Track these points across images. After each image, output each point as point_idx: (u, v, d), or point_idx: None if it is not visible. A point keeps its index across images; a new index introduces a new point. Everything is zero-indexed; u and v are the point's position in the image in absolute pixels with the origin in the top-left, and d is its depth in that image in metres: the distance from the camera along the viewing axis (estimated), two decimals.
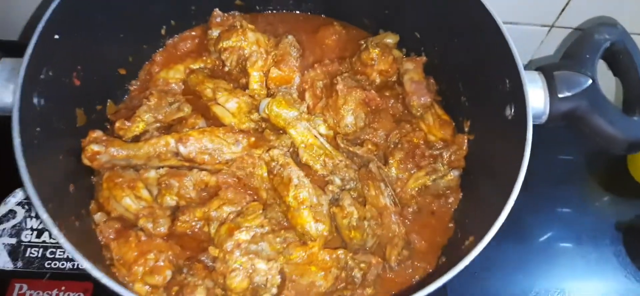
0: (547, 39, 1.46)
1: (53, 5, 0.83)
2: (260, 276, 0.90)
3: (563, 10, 1.34)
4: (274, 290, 0.91)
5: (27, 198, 1.17)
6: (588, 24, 1.35)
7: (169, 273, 0.93)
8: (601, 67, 0.97)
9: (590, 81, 0.91)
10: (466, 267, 0.84)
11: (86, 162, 0.98)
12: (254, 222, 0.93)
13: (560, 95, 0.91)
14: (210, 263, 0.95)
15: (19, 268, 1.12)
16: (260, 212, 0.97)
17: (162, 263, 0.93)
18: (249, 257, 0.90)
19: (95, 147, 0.98)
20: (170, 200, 0.99)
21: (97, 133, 1.00)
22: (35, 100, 0.80)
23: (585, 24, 1.35)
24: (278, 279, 0.91)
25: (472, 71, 1.06)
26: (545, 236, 1.30)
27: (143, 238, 0.95)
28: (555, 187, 1.37)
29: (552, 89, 0.91)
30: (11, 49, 0.84)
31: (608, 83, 1.05)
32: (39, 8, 1.25)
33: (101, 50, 1.01)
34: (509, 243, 1.27)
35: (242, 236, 0.91)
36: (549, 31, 1.43)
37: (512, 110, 0.91)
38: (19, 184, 1.18)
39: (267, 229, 0.95)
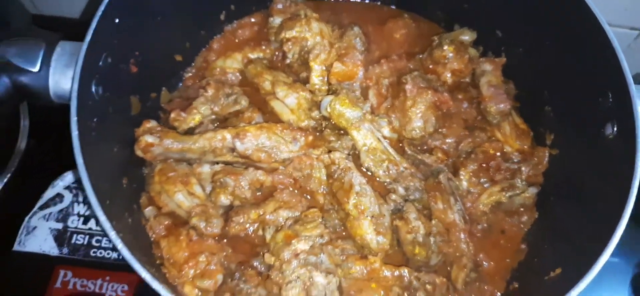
0: (634, 44, 1.32)
1: None
2: (317, 291, 0.83)
3: None
4: None
5: (76, 181, 1.14)
6: None
7: (220, 278, 0.88)
8: None
9: None
10: None
11: (139, 153, 0.93)
12: (313, 232, 0.86)
13: None
14: (263, 270, 0.89)
15: (65, 254, 1.10)
16: (320, 220, 0.90)
17: (213, 267, 0.88)
18: (307, 269, 0.83)
19: (149, 139, 0.93)
20: (224, 199, 0.93)
21: (151, 124, 0.95)
22: (93, 89, 0.75)
23: None
24: (336, 295, 0.84)
25: (563, 78, 0.94)
26: None
27: (194, 237, 0.90)
28: None
29: None
30: (71, 27, 0.79)
31: None
32: None
33: (160, 35, 0.96)
34: None
35: (301, 246, 0.85)
36: (638, 35, 1.29)
37: (614, 129, 0.80)
38: (68, 167, 1.18)
39: (326, 239, 0.88)
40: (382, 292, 0.88)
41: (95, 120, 0.74)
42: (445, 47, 1.07)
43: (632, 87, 0.77)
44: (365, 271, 0.88)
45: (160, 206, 0.94)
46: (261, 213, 0.93)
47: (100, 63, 0.77)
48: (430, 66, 1.10)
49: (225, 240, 0.93)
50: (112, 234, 0.62)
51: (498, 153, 1.01)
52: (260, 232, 0.93)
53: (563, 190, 0.95)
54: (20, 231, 1.10)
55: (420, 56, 1.12)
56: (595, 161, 0.85)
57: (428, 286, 0.88)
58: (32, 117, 1.24)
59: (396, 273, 0.88)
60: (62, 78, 0.75)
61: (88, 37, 0.73)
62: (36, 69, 0.72)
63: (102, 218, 0.62)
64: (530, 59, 1.03)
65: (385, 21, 1.17)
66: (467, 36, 1.10)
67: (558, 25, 0.92)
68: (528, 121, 1.06)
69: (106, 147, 0.79)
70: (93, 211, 0.62)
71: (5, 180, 1.16)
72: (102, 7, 0.75)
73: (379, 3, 1.20)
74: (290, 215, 0.92)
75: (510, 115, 1.06)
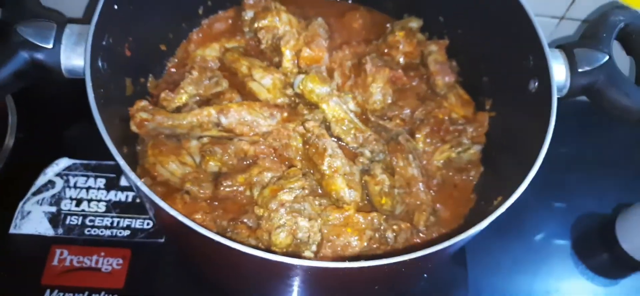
0: (556, 31, 1.53)
1: None
2: (302, 233, 0.96)
3: (573, 1, 1.42)
4: (314, 248, 0.97)
5: (67, 168, 1.23)
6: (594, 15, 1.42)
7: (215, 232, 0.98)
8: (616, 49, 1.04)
9: (607, 57, 0.98)
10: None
11: (134, 128, 1.03)
12: (296, 184, 0.99)
13: (580, 70, 0.98)
14: (252, 225, 1.01)
15: (60, 234, 1.17)
16: (301, 175, 1.03)
17: (208, 223, 0.99)
18: (292, 215, 0.96)
19: (143, 115, 1.03)
20: (213, 165, 1.05)
21: (144, 103, 1.06)
22: (99, 64, 0.86)
23: (592, 14, 1.43)
24: (319, 236, 0.97)
25: (495, 52, 1.13)
26: (541, 235, 1.36)
27: (188, 200, 1.01)
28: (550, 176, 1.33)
29: (572, 64, 0.98)
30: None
31: (622, 64, 1.12)
32: None
33: (148, 25, 1.07)
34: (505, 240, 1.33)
35: (286, 196, 0.97)
36: (558, 23, 1.50)
37: (536, 84, 0.98)
38: (58, 155, 1.26)
39: (307, 192, 1.01)
40: (356, 235, 1.02)
41: (102, 90, 0.85)
42: (397, 33, 1.24)
43: (547, 49, 0.97)
44: (341, 218, 1.02)
45: (155, 175, 1.05)
46: (248, 176, 1.05)
47: (104, 42, 0.88)
48: (385, 50, 1.26)
49: (216, 203, 1.04)
50: (132, 175, 0.73)
51: (446, 118, 1.18)
52: (247, 193, 1.05)
53: (502, 143, 1.13)
54: (15, 216, 1.16)
55: (376, 42, 1.29)
56: (523, 113, 1.04)
57: (394, 227, 1.03)
58: (18, 114, 1.32)
59: (368, 218, 1.02)
60: (72, 55, 0.85)
61: (95, 18, 0.84)
62: (50, 45, 0.83)
63: (121, 162, 0.73)
64: (468, 38, 1.22)
65: (343, 14, 1.34)
66: (415, 23, 1.28)
67: (489, 11, 1.11)
68: (470, 93, 1.25)
69: (110, 117, 0.90)
70: (113, 155, 0.73)
71: None
72: None
73: None
74: (275, 175, 1.05)
75: (455, 88, 1.24)
